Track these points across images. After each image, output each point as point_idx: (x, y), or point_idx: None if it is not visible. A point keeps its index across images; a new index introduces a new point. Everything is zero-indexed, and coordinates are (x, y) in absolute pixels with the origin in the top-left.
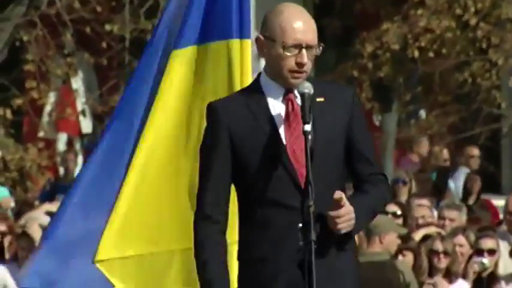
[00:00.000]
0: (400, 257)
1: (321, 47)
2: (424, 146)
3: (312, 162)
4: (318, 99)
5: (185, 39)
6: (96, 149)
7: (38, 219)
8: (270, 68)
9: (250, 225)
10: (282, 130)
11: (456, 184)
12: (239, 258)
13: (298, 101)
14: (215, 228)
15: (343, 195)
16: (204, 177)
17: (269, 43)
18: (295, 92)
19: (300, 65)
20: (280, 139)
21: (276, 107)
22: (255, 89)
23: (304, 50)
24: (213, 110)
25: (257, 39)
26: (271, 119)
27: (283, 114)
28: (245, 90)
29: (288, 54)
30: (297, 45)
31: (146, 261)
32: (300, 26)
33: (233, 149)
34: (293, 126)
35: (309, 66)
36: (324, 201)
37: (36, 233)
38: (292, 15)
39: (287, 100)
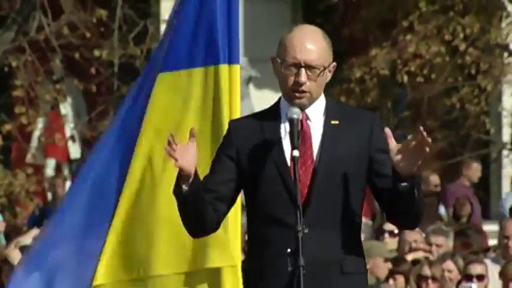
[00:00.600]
0: (391, 281)
1: (331, 67)
2: (475, 170)
3: (315, 183)
4: (332, 122)
5: (171, 63)
6: (87, 170)
7: (20, 243)
8: (280, 88)
9: (254, 241)
10: (288, 151)
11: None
12: (242, 270)
13: (310, 122)
14: None
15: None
16: (203, 180)
17: (277, 62)
18: (306, 112)
19: (298, 84)
20: (285, 160)
21: (288, 128)
22: (273, 110)
23: (303, 70)
24: (228, 128)
25: (272, 59)
26: (279, 140)
27: None
28: (265, 111)
29: (288, 72)
30: (296, 64)
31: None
32: (301, 44)
33: (240, 167)
34: (300, 147)
35: (310, 86)
36: (326, 220)
37: (16, 259)
38: (297, 35)
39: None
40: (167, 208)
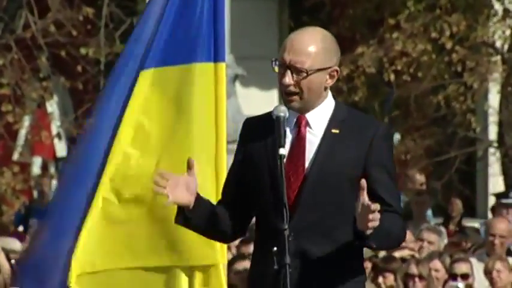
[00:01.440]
0: (380, 279)
1: (331, 71)
2: None
3: (303, 191)
4: (332, 131)
5: (153, 60)
6: (68, 169)
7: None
8: None
9: (255, 246)
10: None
11: None
12: (248, 276)
13: (310, 129)
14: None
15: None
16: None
17: None
18: (307, 118)
19: (282, 85)
20: (276, 162)
21: (291, 131)
22: None
23: (288, 71)
24: (242, 126)
25: None
26: (275, 142)
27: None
28: None
29: (278, 73)
30: (283, 65)
31: (115, 276)
32: (291, 45)
33: (243, 167)
34: (293, 153)
35: (297, 89)
36: (316, 229)
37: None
38: (293, 35)
39: (297, 125)
40: (142, 198)
